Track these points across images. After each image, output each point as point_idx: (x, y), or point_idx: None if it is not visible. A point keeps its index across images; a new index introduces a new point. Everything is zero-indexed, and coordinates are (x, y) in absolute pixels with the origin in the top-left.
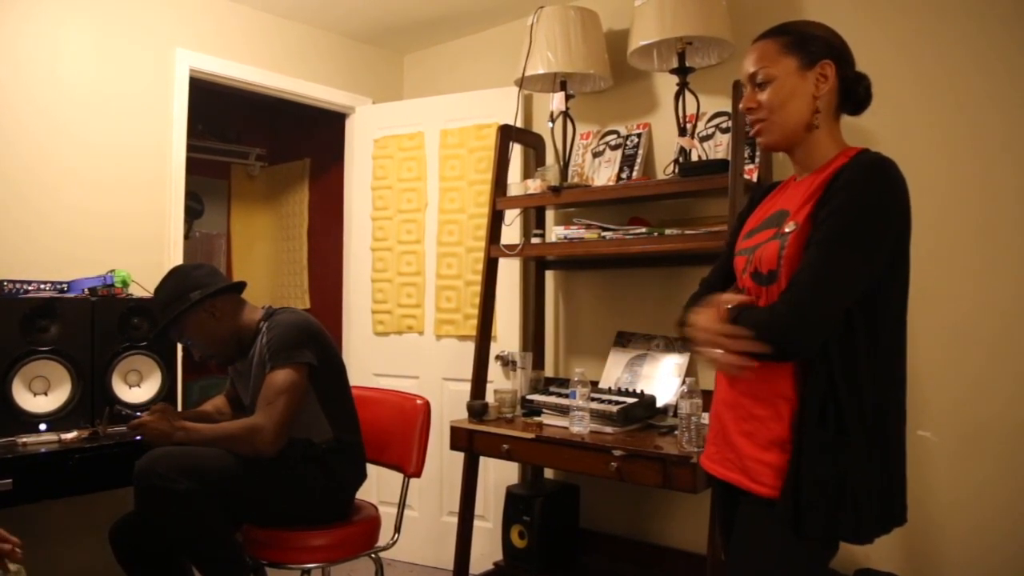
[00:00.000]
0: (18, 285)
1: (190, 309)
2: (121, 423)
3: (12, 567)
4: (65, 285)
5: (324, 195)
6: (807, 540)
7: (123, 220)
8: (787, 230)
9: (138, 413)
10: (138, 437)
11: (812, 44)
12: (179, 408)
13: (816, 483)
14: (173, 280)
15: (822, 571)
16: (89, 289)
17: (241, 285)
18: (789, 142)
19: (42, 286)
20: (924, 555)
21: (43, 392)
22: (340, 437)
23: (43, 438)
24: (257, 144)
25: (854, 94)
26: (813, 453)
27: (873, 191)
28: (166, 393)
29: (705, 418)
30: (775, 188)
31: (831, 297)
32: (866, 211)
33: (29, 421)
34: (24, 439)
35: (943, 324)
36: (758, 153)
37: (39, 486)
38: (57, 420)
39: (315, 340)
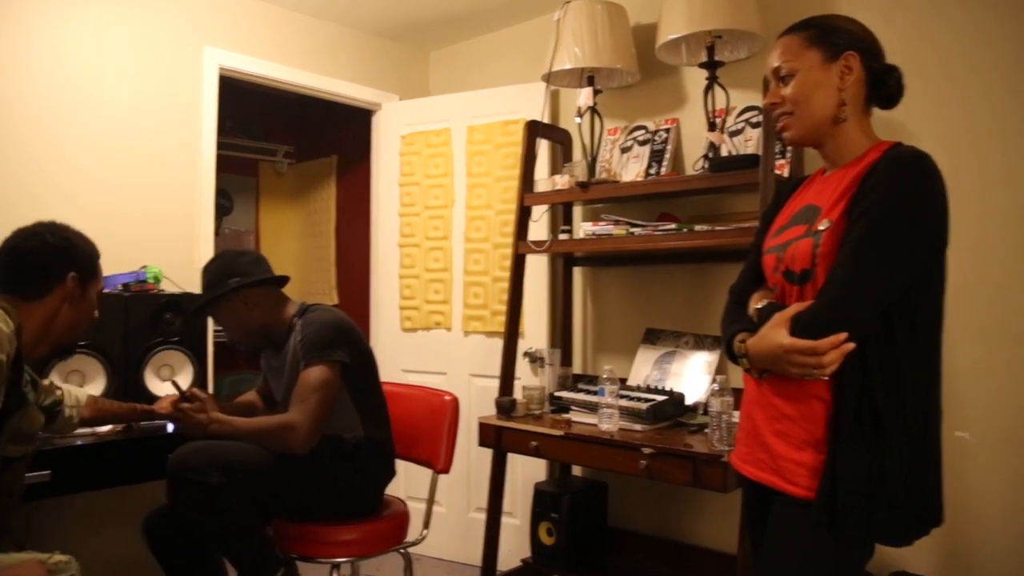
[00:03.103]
0: None
1: (226, 295)
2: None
3: (62, 557)
4: None
5: (351, 192)
6: (843, 542)
7: (154, 221)
8: (821, 228)
9: (184, 391)
10: (170, 428)
11: (836, 36)
12: None
13: (853, 483)
14: (217, 264)
15: (858, 574)
16: (123, 284)
17: (283, 279)
18: (815, 136)
19: None
20: (960, 558)
21: (78, 385)
22: (370, 434)
23: (79, 431)
24: (285, 141)
25: (884, 86)
26: (850, 453)
27: (909, 188)
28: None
29: (736, 416)
30: (801, 184)
31: (867, 296)
32: (903, 209)
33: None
34: None
35: (978, 322)
36: (789, 148)
37: (75, 478)
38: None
39: (349, 338)
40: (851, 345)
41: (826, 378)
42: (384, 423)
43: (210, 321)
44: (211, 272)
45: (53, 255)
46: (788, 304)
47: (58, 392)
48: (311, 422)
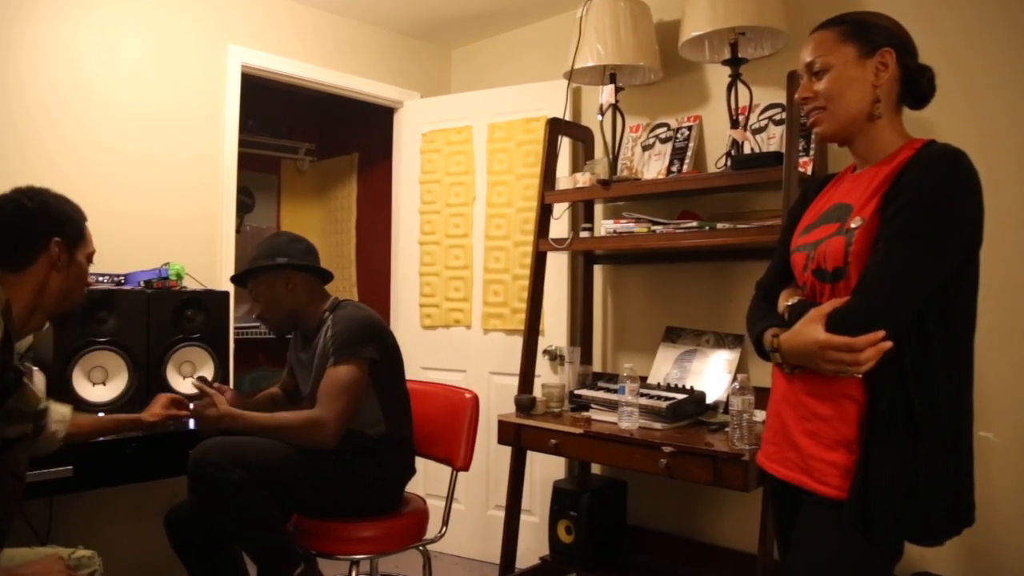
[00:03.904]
0: None
1: (269, 269)
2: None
3: (85, 552)
4: (122, 277)
5: (372, 189)
6: (875, 542)
7: (176, 221)
8: (853, 226)
9: (210, 383)
10: (192, 425)
11: (872, 32)
12: None
13: (886, 483)
14: (271, 241)
15: (888, 575)
16: (145, 282)
17: (328, 275)
18: (847, 133)
19: (100, 279)
20: (982, 558)
21: (101, 382)
22: (392, 431)
23: None
24: (307, 139)
25: (917, 86)
26: (883, 453)
27: (944, 185)
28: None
29: (757, 415)
30: (829, 182)
31: (903, 295)
32: (938, 206)
33: (88, 410)
34: None
35: (1006, 321)
36: (812, 145)
37: (98, 473)
38: (115, 409)
39: (378, 336)
40: (888, 344)
41: (860, 376)
42: (407, 421)
43: (231, 319)
44: (264, 246)
45: (33, 220)
46: (820, 302)
47: (44, 404)
48: (339, 419)
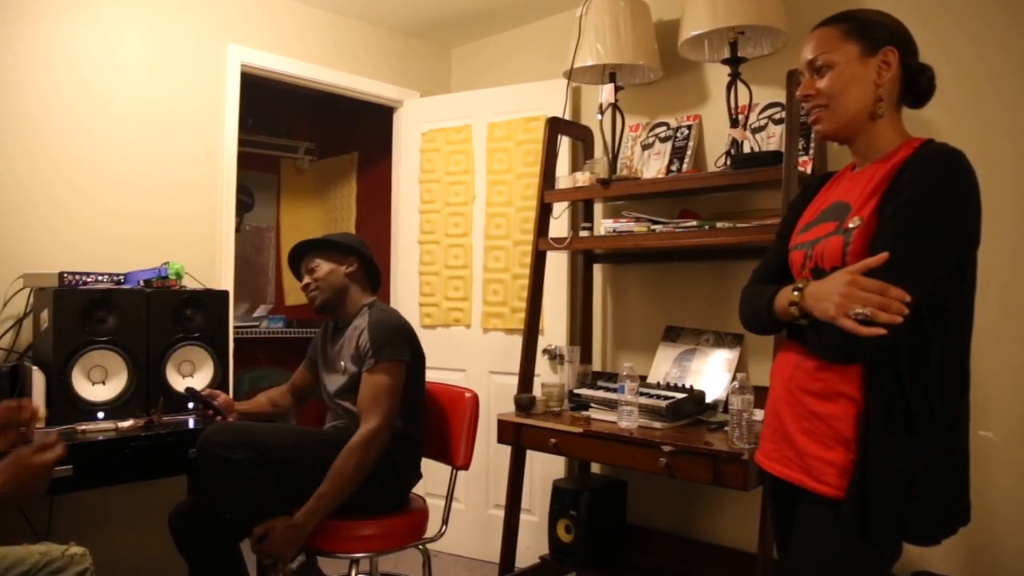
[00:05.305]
0: (77, 277)
1: (341, 249)
2: (175, 412)
3: (77, 549)
4: (121, 277)
5: (372, 188)
6: (873, 542)
7: (176, 220)
8: (851, 225)
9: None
10: (192, 424)
11: (874, 31)
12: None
13: (884, 483)
14: (348, 234)
15: (885, 574)
16: (144, 281)
17: (379, 279)
18: (848, 131)
19: (100, 278)
20: (980, 557)
21: (101, 381)
22: (407, 430)
23: (101, 426)
24: (306, 138)
25: (917, 85)
26: (881, 452)
27: (943, 185)
28: (218, 384)
29: (757, 414)
30: (829, 179)
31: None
32: (936, 206)
33: (88, 409)
34: (83, 427)
35: (1006, 321)
36: (812, 144)
37: (97, 472)
38: (114, 408)
39: (410, 340)
40: (899, 319)
41: (872, 332)
42: (420, 424)
43: (231, 319)
44: (341, 234)
45: None
46: None
47: None
48: (387, 420)
